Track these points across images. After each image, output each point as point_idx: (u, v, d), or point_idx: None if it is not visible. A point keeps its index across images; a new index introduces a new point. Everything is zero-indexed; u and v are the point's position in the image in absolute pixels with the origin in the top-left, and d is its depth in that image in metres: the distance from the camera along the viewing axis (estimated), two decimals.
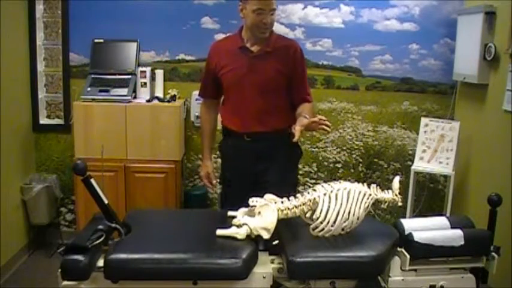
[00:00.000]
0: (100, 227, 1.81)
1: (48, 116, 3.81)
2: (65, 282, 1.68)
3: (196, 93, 3.70)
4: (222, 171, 2.75)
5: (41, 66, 3.73)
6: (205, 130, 2.78)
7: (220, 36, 3.70)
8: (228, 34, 2.69)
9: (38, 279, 3.26)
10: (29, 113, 3.73)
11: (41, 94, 3.76)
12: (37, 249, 3.72)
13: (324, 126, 2.19)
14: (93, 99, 3.38)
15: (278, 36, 2.60)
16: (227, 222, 1.86)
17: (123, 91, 3.43)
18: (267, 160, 2.53)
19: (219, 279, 1.70)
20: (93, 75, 3.52)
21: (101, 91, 3.42)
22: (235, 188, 2.59)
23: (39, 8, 3.66)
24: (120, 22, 3.67)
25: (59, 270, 1.68)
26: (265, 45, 2.50)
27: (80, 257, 1.63)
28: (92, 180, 1.79)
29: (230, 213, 1.99)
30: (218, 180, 2.80)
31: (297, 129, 2.24)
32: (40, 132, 3.80)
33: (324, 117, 2.20)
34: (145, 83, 3.56)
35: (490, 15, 3.11)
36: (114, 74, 3.54)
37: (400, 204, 1.97)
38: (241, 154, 2.57)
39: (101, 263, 1.71)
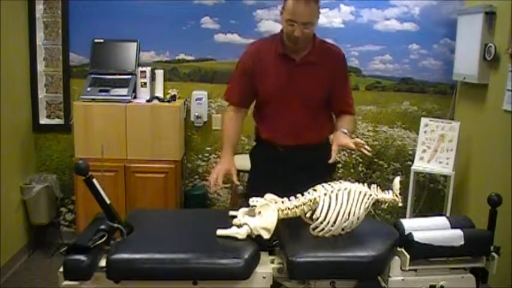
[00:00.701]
0: (102, 227, 1.81)
1: (48, 116, 3.81)
2: (66, 282, 1.68)
3: (196, 93, 3.72)
4: (251, 177, 2.58)
5: (41, 66, 3.73)
6: (228, 138, 2.40)
7: (220, 37, 3.71)
8: (267, 36, 2.39)
9: (38, 279, 3.26)
10: (29, 113, 3.73)
11: (41, 94, 3.77)
12: (37, 249, 3.72)
13: (364, 150, 2.05)
14: (93, 99, 3.38)
15: (321, 42, 2.36)
16: (229, 222, 1.86)
17: (123, 91, 3.44)
18: (300, 170, 2.32)
19: (221, 279, 1.70)
20: (93, 75, 3.53)
21: (101, 91, 3.42)
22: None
23: (39, 8, 3.66)
24: (120, 22, 3.67)
25: (59, 270, 1.69)
26: (308, 54, 2.29)
27: (82, 257, 1.63)
28: (94, 180, 1.80)
29: (231, 213, 1.99)
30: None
31: (334, 149, 2.10)
32: (40, 132, 3.80)
33: (361, 141, 2.06)
34: (145, 83, 3.56)
35: (490, 15, 3.11)
36: (114, 74, 3.54)
37: (400, 204, 1.97)
38: (274, 163, 2.39)
39: (103, 263, 1.71)
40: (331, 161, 2.10)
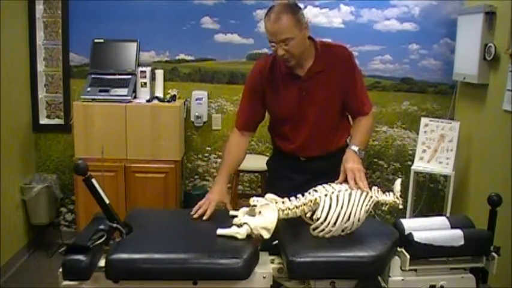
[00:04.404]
0: (101, 227, 1.80)
1: (48, 116, 3.81)
2: (66, 282, 1.68)
3: (196, 93, 3.72)
4: (268, 186, 2.49)
5: (41, 66, 3.73)
6: (227, 164, 2.27)
7: (220, 37, 3.71)
8: (272, 53, 2.24)
9: (38, 279, 3.26)
10: (29, 113, 3.73)
11: (41, 94, 3.77)
12: (37, 249, 3.72)
13: (361, 186, 1.92)
14: (93, 99, 3.38)
15: (324, 47, 2.24)
16: (228, 222, 1.86)
17: (123, 91, 3.44)
18: (321, 176, 2.12)
19: (221, 279, 1.70)
20: (93, 75, 3.53)
21: (101, 91, 3.42)
22: None
23: (39, 8, 3.66)
24: (120, 22, 3.67)
25: (59, 270, 1.68)
26: (313, 65, 2.18)
27: (81, 257, 1.63)
28: (93, 180, 1.79)
29: (232, 212, 1.99)
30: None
31: (342, 170, 2.01)
32: (40, 132, 3.80)
33: (361, 182, 1.92)
34: (145, 83, 3.56)
35: (490, 15, 3.11)
36: (114, 74, 3.54)
37: (401, 207, 1.97)
38: (295, 171, 2.32)
39: (102, 263, 1.71)
40: (338, 181, 1.98)
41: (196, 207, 2.10)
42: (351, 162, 2.02)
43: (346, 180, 1.97)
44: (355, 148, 2.11)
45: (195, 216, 2.05)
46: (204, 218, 2.03)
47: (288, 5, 2.11)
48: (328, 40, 2.41)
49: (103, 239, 1.74)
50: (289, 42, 2.07)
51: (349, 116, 2.37)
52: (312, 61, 2.20)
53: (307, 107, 2.22)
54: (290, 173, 2.34)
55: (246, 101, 2.33)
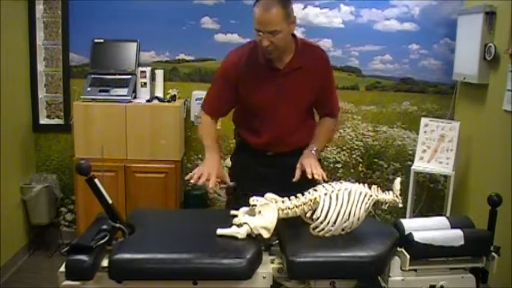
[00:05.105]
0: (104, 227, 1.81)
1: (48, 116, 3.81)
2: (67, 282, 1.68)
3: (196, 93, 3.71)
4: (237, 178, 2.43)
5: (41, 66, 3.74)
6: (210, 143, 2.32)
7: (220, 37, 3.71)
8: (246, 42, 2.28)
9: (38, 279, 3.26)
10: (29, 113, 3.73)
11: (41, 94, 3.77)
12: (37, 249, 3.72)
13: (316, 173, 2.04)
14: (93, 99, 3.38)
15: (303, 45, 2.25)
16: (231, 222, 1.86)
17: (123, 91, 3.44)
18: (289, 170, 2.19)
19: (224, 279, 1.70)
20: (93, 75, 3.53)
21: (101, 91, 3.42)
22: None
23: (39, 8, 3.66)
24: (120, 22, 3.67)
25: (59, 270, 1.68)
26: (291, 60, 2.20)
27: (84, 257, 1.63)
28: (96, 180, 1.79)
29: (233, 212, 1.99)
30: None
31: (298, 167, 2.12)
32: (40, 132, 3.80)
33: (318, 174, 2.04)
34: (145, 83, 3.56)
35: (490, 15, 3.11)
36: (114, 74, 3.54)
37: (400, 205, 1.97)
38: (263, 166, 2.35)
39: (105, 263, 1.71)
40: (294, 179, 2.08)
41: (196, 176, 2.08)
42: (307, 158, 2.13)
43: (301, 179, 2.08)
44: (313, 149, 2.19)
45: (193, 181, 2.07)
46: (211, 185, 2.06)
47: None
48: (310, 40, 2.41)
49: (106, 239, 1.74)
50: (276, 35, 2.07)
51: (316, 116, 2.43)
52: (291, 56, 2.21)
53: (280, 101, 2.23)
54: (258, 168, 2.35)
55: (217, 89, 2.33)
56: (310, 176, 2.03)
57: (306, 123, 2.36)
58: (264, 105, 2.26)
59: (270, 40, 2.07)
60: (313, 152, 2.20)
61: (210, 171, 2.11)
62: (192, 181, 2.05)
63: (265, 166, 2.35)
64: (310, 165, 2.09)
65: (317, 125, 2.38)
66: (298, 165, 2.13)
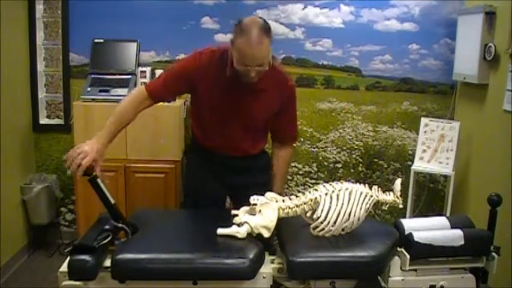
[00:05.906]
0: (107, 227, 1.81)
1: (48, 116, 3.81)
2: (67, 282, 1.68)
3: None
4: (189, 174, 2.59)
5: (41, 66, 3.73)
6: (117, 120, 2.25)
7: (220, 37, 3.71)
8: (219, 48, 2.23)
9: (38, 279, 3.26)
10: (29, 113, 3.73)
11: (41, 94, 3.76)
12: (37, 249, 3.72)
13: None
14: (93, 99, 3.38)
15: (272, 70, 2.18)
16: (229, 221, 1.86)
17: (123, 91, 3.43)
18: (238, 172, 2.38)
19: (227, 279, 1.70)
20: (93, 75, 3.52)
21: (101, 91, 3.41)
22: (203, 201, 2.36)
23: (39, 8, 3.66)
24: (120, 22, 3.67)
25: (59, 270, 1.69)
26: (258, 81, 2.12)
27: (87, 257, 1.63)
28: (98, 180, 1.80)
29: (234, 211, 2.00)
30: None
31: None
32: (40, 132, 3.79)
33: None
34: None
35: (490, 15, 3.11)
36: (114, 74, 3.53)
37: (401, 206, 1.98)
38: (213, 164, 2.41)
39: (107, 263, 1.71)
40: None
41: (69, 162, 1.91)
42: None
43: None
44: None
45: (69, 172, 2.00)
46: (78, 174, 1.86)
47: (263, 25, 2.03)
48: (281, 67, 2.40)
49: (108, 239, 1.74)
50: (264, 65, 2.05)
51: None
52: (258, 78, 2.12)
53: (236, 116, 2.26)
54: (209, 165, 2.41)
55: (170, 80, 2.25)
56: None
57: (255, 137, 2.40)
58: (221, 114, 2.28)
59: (257, 70, 2.05)
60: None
61: (84, 155, 1.91)
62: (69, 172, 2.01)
63: (216, 164, 2.40)
64: None
65: (276, 163, 2.46)
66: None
